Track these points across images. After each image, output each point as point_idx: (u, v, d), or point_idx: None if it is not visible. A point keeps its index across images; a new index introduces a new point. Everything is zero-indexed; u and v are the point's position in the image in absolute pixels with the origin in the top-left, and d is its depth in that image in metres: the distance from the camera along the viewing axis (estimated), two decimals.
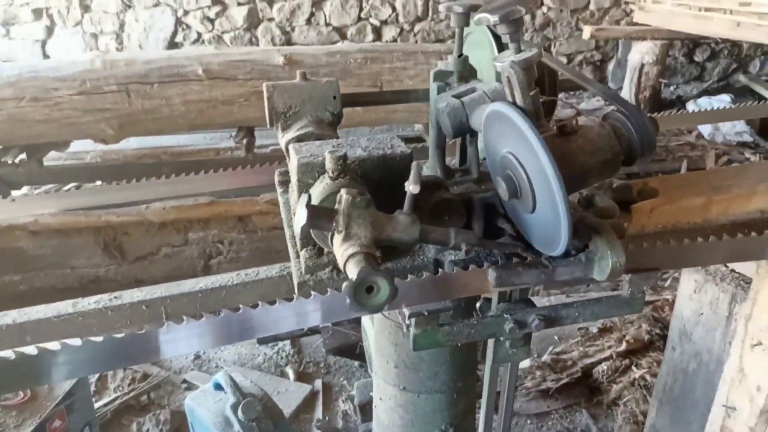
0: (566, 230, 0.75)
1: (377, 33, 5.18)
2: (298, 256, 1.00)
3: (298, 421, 1.98)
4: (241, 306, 0.88)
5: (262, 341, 2.29)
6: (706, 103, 4.68)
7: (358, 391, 1.93)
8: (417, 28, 5.20)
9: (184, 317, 0.88)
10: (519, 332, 0.98)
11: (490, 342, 1.05)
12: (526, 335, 1.02)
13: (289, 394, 2.08)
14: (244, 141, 3.34)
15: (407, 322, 0.93)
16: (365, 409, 1.87)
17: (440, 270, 0.94)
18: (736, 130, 4.04)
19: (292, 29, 5.01)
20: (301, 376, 2.21)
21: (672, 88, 5.65)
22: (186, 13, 4.80)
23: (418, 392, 1.28)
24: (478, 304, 1.06)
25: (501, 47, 1.21)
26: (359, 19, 5.10)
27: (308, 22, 5.01)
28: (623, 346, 2.19)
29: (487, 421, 1.16)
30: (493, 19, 0.84)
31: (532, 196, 0.80)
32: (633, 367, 2.11)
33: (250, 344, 2.34)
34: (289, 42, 5.01)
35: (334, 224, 0.79)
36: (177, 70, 2.93)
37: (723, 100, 4.67)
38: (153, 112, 2.97)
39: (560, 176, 0.73)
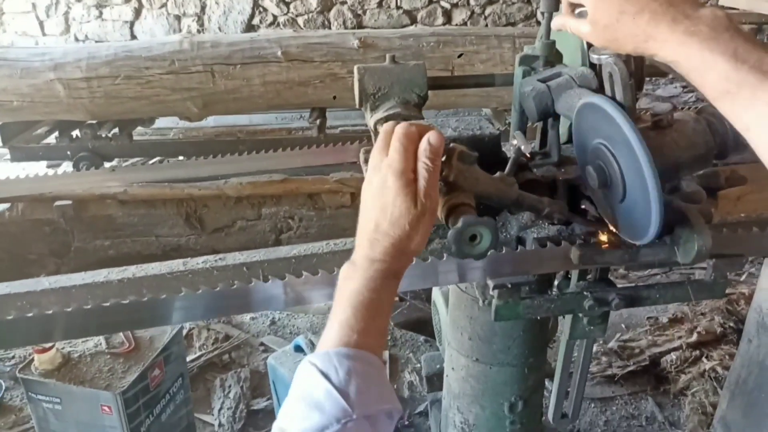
0: (657, 222, 0.78)
1: (447, 16, 5.17)
2: None
3: None
4: None
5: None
6: None
7: (426, 363, 2.01)
8: (488, 11, 5.15)
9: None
10: (598, 310, 1.02)
11: (567, 318, 1.09)
12: (604, 314, 1.05)
13: None
14: (318, 121, 3.46)
15: (491, 293, 0.99)
16: (432, 381, 1.95)
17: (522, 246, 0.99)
18: None
19: (364, 12, 5.07)
20: None
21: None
22: None
23: (490, 364, 1.33)
24: (556, 281, 1.11)
25: None
26: (430, 2, 5.09)
27: (379, 5, 5.05)
28: (694, 337, 2.15)
29: (559, 394, 1.21)
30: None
31: (623, 186, 0.83)
32: (704, 359, 2.08)
33: (322, 314, 2.46)
34: (360, 25, 5.08)
35: (442, 173, 0.85)
36: (258, 52, 3.06)
37: None
38: (234, 92, 3.13)
39: (656, 172, 0.75)
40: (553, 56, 1.25)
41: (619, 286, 1.05)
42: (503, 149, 1.12)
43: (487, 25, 5.17)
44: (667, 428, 1.95)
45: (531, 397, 1.39)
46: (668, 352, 2.14)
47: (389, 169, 0.73)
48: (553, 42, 1.23)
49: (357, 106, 1.34)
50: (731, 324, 2.20)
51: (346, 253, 1.26)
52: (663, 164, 0.84)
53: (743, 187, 1.05)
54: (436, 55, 3.16)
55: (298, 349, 1.69)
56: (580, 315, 1.04)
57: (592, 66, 1.24)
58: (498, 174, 0.88)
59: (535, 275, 0.99)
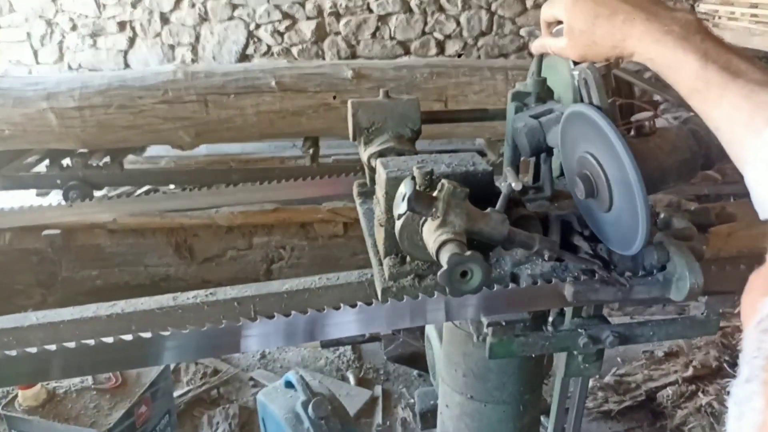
0: (644, 228, 0.78)
1: (440, 47, 5.25)
2: (381, 264, 1.07)
3: (360, 424, 2.04)
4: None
5: (325, 345, 2.38)
6: None
7: (419, 399, 1.98)
8: (480, 42, 5.24)
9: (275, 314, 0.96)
10: (592, 347, 1.00)
11: (562, 355, 1.08)
12: (599, 351, 1.04)
13: (350, 398, 2.15)
14: (311, 151, 3.47)
15: (485, 331, 0.98)
16: (426, 417, 1.91)
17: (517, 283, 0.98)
18: None
19: (358, 43, 5.14)
20: (362, 382, 2.27)
21: None
22: (258, 26, 5.02)
23: (485, 401, 1.31)
24: (550, 318, 1.10)
25: None
26: (423, 33, 5.18)
27: (373, 36, 5.13)
28: (690, 371, 2.13)
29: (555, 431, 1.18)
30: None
31: (609, 194, 0.83)
32: (700, 393, 2.06)
33: (312, 347, 2.42)
34: (354, 55, 5.15)
35: (433, 210, 0.84)
36: (252, 82, 3.09)
37: None
38: (228, 121, 3.14)
39: (639, 173, 0.76)
40: (545, 93, 1.27)
41: (614, 322, 1.04)
42: (496, 184, 1.12)
43: (479, 57, 5.26)
44: None
45: None
46: (664, 386, 2.12)
47: None
48: (545, 79, 1.25)
49: (351, 140, 1.35)
50: (726, 357, 2.19)
51: (339, 289, 1.25)
52: (648, 171, 0.84)
53: (733, 223, 1.05)
54: (429, 86, 3.20)
55: (289, 385, 1.65)
56: (575, 352, 1.03)
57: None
58: (489, 210, 0.88)
59: (530, 312, 0.98)
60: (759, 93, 0.63)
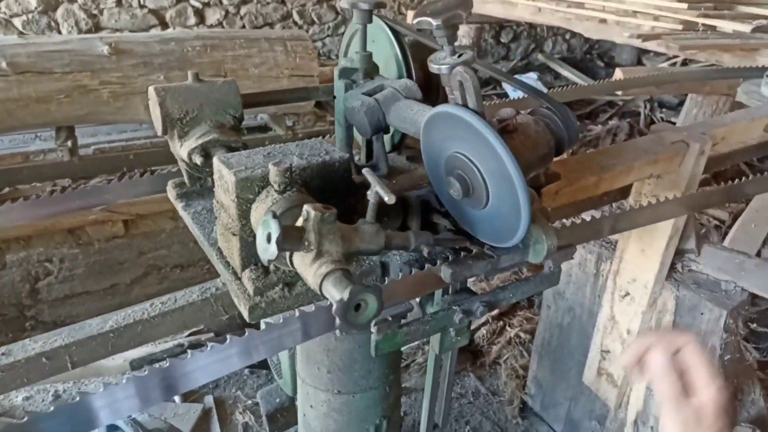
0: (526, 221, 0.81)
1: (200, 15, 4.84)
2: (237, 278, 0.92)
3: None
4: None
5: (135, 366, 2.07)
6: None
7: (264, 400, 1.85)
8: (243, 10, 4.97)
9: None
10: (466, 321, 1.02)
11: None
12: (469, 322, 1.07)
13: (179, 418, 1.91)
14: (68, 143, 2.92)
15: (371, 329, 0.92)
16: (275, 418, 1.80)
17: (397, 272, 0.94)
18: None
19: (101, 12, 4.44)
20: (189, 396, 2.04)
21: None
22: None
23: (353, 392, 1.27)
24: (418, 300, 1.09)
25: (400, 42, 1.23)
26: (178, 0, 4.71)
27: (119, 3, 4.49)
28: (495, 311, 2.40)
29: (431, 407, 1.20)
30: (435, 23, 0.85)
31: (485, 192, 0.83)
32: (507, 327, 2.34)
33: (120, 373, 2.09)
34: (98, 27, 4.44)
35: (305, 243, 0.74)
36: None
37: (531, 78, 5.28)
38: None
39: (521, 171, 0.78)
40: (372, 68, 1.22)
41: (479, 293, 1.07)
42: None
43: (244, 26, 5.00)
44: (491, 398, 2.15)
45: (393, 413, 1.36)
46: (478, 328, 2.35)
47: None
48: (371, 54, 1.20)
49: (160, 134, 1.13)
50: None
51: (179, 313, 1.06)
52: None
53: (559, 182, 1.15)
54: (204, 60, 2.92)
55: (113, 428, 1.39)
56: (451, 329, 1.04)
57: (410, 76, 1.25)
58: (360, 223, 0.81)
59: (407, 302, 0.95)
60: None
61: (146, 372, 0.78)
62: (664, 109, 5.01)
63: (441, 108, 0.86)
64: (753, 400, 1.66)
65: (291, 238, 0.73)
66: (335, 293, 0.69)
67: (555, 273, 1.12)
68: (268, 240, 0.71)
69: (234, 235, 0.89)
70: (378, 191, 0.80)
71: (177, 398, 2.03)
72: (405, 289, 0.93)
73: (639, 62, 6.15)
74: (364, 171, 0.88)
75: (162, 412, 1.95)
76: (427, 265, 0.94)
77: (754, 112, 1.42)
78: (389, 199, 0.79)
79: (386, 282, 0.91)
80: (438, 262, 0.93)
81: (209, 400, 2.03)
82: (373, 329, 0.91)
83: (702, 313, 1.44)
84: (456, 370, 2.26)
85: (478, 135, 0.79)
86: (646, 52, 5.87)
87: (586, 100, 5.23)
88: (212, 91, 1.13)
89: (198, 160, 1.08)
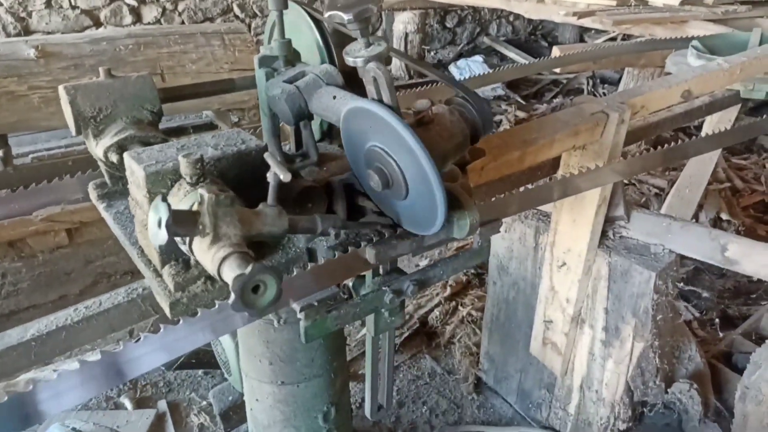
0: (443, 212, 0.82)
1: (136, 14, 4.70)
2: (158, 275, 0.91)
3: None
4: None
5: None
6: (464, 64, 5.28)
7: (216, 399, 1.83)
8: (181, 6, 4.84)
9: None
10: (397, 300, 1.03)
11: (369, 315, 1.08)
12: (401, 302, 1.08)
13: (131, 426, 1.87)
14: (0, 152, 2.81)
15: (298, 316, 0.92)
16: (228, 416, 1.79)
17: (320, 259, 0.94)
18: (491, 86, 4.66)
19: (29, 15, 4.26)
20: (141, 402, 2.00)
21: (432, 53, 6.24)
22: None
23: (297, 383, 1.27)
24: (350, 283, 1.09)
25: (321, 28, 1.22)
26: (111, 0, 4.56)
27: (48, 5, 4.31)
28: (448, 291, 2.43)
29: (373, 389, 1.21)
30: (347, 17, 0.85)
31: (404, 184, 0.84)
32: (459, 307, 2.37)
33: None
34: (27, 30, 4.26)
35: (200, 227, 0.73)
36: None
37: (477, 61, 5.33)
38: None
39: (434, 164, 0.79)
40: (292, 55, 1.21)
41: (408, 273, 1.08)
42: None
43: (183, 22, 4.88)
44: (447, 377, 2.18)
45: (341, 399, 1.37)
46: (431, 310, 2.37)
47: None
48: (290, 40, 1.19)
49: (74, 134, 1.10)
50: (472, 271, 2.55)
51: (103, 317, 1.03)
52: (432, 157, 0.88)
53: (483, 158, 1.17)
54: (138, 59, 2.82)
55: None
56: (383, 310, 1.05)
57: (333, 62, 1.24)
58: (261, 206, 0.80)
59: (338, 285, 0.96)
60: None
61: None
62: (606, 85, 5.15)
63: (356, 103, 0.85)
64: (690, 356, 1.73)
65: (183, 221, 0.71)
66: (231, 272, 0.68)
67: (484, 248, 1.14)
68: (159, 225, 0.69)
69: (149, 227, 0.87)
70: (276, 171, 0.80)
71: (128, 405, 1.99)
72: (331, 273, 0.93)
73: (581, 41, 6.28)
74: (265, 155, 0.88)
75: (114, 421, 1.91)
76: (350, 249, 0.94)
77: (671, 80, 1.47)
78: (284, 177, 0.78)
79: (309, 268, 0.91)
80: (363, 244, 0.93)
81: (163, 404, 1.99)
82: (300, 315, 0.91)
83: (633, 277, 1.49)
84: (412, 353, 2.30)
85: (392, 130, 0.79)
86: (587, 30, 6.00)
87: (532, 79, 5.33)
88: (126, 87, 1.10)
89: (114, 158, 1.05)
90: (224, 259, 0.71)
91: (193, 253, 0.76)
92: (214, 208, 0.73)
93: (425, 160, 0.77)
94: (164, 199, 0.71)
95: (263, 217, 0.79)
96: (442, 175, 1.09)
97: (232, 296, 0.66)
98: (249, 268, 0.67)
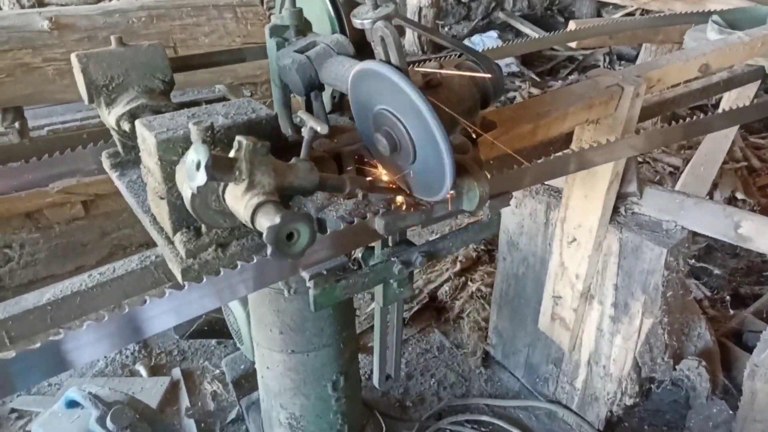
0: (450, 176, 0.81)
1: None
2: (170, 242, 0.92)
3: (166, 415, 1.85)
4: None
5: None
6: (478, 40, 5.20)
7: (228, 367, 1.87)
8: None
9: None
10: (405, 271, 1.04)
11: (378, 286, 1.09)
12: (410, 273, 1.08)
13: (146, 392, 1.92)
14: (17, 124, 2.83)
15: (307, 284, 0.93)
16: (240, 384, 1.83)
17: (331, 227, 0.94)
18: (505, 62, 4.59)
19: None
20: (155, 370, 2.05)
21: (447, 28, 6.15)
22: None
23: (307, 351, 1.29)
24: (359, 255, 1.10)
25: None
26: None
27: None
28: (458, 267, 2.44)
29: (381, 359, 1.23)
30: None
31: (412, 148, 0.84)
32: (469, 282, 2.38)
33: None
34: (41, 2, 4.26)
35: (236, 173, 0.74)
36: None
37: (491, 36, 5.24)
38: None
39: (442, 126, 0.78)
40: (303, 24, 1.20)
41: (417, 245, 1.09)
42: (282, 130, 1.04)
43: None
44: (455, 351, 2.20)
45: (350, 369, 1.39)
46: (441, 285, 2.39)
47: None
48: (301, 9, 1.18)
49: (87, 102, 1.11)
50: (482, 247, 2.55)
51: (118, 282, 1.05)
52: (441, 121, 0.88)
53: (495, 130, 1.16)
54: (151, 31, 2.82)
55: (72, 404, 1.39)
56: (391, 281, 1.05)
57: (343, 32, 1.23)
58: (294, 160, 0.81)
59: (347, 254, 0.96)
60: None
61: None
62: (623, 62, 5.05)
63: (364, 65, 0.85)
64: (699, 334, 1.73)
65: (220, 166, 0.72)
66: (266, 221, 0.69)
67: (494, 221, 1.14)
68: (197, 167, 0.70)
69: (162, 198, 0.88)
70: (312, 125, 0.80)
71: (144, 372, 2.03)
72: (341, 243, 0.94)
73: (598, 16, 6.15)
74: (299, 112, 0.88)
75: (130, 387, 1.95)
76: (356, 220, 0.94)
77: (688, 54, 1.44)
78: (322, 129, 0.79)
79: (319, 237, 0.91)
80: (369, 216, 0.94)
81: (177, 372, 2.04)
82: (310, 284, 0.92)
83: (644, 253, 1.48)
84: (421, 327, 2.32)
85: (400, 91, 0.79)
86: (605, 5, 5.87)
87: (547, 56, 5.24)
88: (137, 56, 1.10)
89: (126, 126, 1.06)
90: (258, 206, 0.71)
91: (224, 200, 0.77)
92: (251, 155, 0.73)
93: (433, 121, 0.76)
94: (204, 141, 0.72)
95: (296, 170, 0.80)
96: (451, 143, 1.09)
97: (267, 236, 0.67)
98: (282, 216, 0.68)
